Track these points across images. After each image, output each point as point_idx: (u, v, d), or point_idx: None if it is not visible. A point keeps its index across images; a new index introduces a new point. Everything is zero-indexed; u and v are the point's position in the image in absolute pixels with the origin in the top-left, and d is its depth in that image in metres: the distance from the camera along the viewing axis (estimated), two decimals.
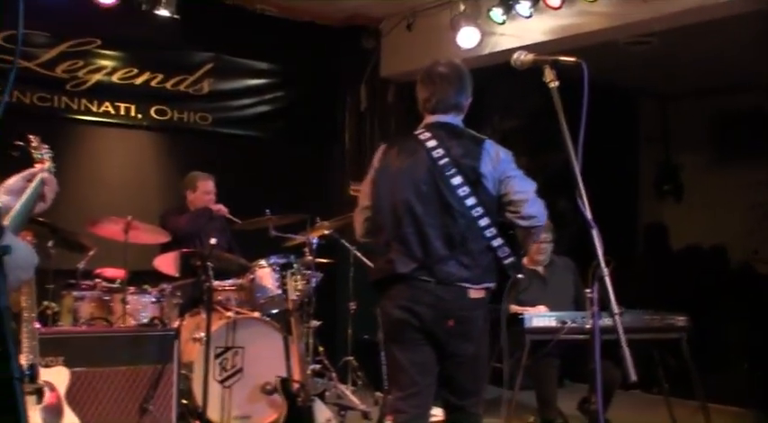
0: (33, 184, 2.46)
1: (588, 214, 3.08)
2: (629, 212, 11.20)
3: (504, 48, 7.70)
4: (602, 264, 3.01)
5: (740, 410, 8.02)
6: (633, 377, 2.84)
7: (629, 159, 11.38)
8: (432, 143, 3.84)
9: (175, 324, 5.59)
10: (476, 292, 3.79)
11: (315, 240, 6.22)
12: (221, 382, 5.57)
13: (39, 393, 4.33)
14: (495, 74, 9.57)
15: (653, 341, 6.55)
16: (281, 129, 8.51)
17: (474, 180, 3.77)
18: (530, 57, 3.47)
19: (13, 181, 2.45)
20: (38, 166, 2.80)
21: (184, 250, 5.89)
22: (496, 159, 3.82)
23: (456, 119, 3.99)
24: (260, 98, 8.41)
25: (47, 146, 2.98)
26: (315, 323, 6.32)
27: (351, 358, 6.76)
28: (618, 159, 10.97)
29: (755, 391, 8.18)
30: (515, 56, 3.49)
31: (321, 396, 5.26)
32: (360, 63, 8.83)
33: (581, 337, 6.05)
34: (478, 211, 3.75)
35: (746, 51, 8.42)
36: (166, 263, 5.87)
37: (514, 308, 6.28)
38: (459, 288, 3.77)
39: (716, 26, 7.40)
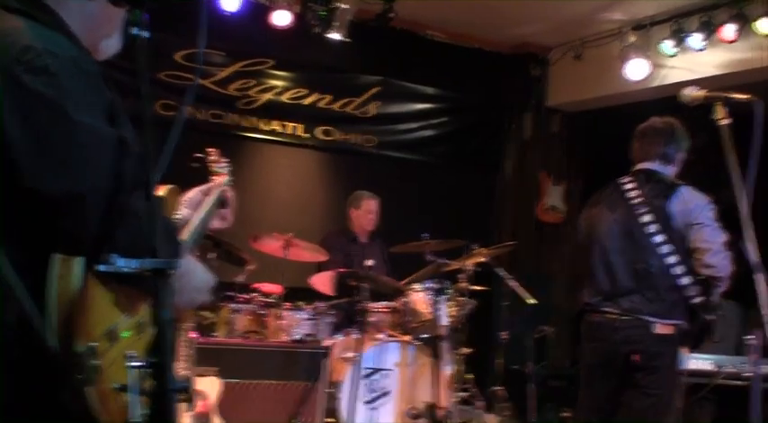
0: (212, 199, 2.43)
1: (754, 258, 2.87)
2: None
3: (673, 81, 7.42)
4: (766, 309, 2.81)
5: None
6: None
7: None
8: (627, 186, 4.12)
9: (327, 343, 5.57)
10: (662, 328, 3.89)
11: (471, 268, 6.11)
12: (368, 402, 5.51)
13: (189, 401, 4.38)
14: (663, 107, 9.30)
15: None
16: (444, 154, 8.44)
17: (663, 219, 3.92)
18: (701, 93, 3.32)
19: (193, 194, 2.44)
20: (216, 179, 2.78)
21: (341, 270, 5.88)
22: (688, 202, 3.94)
23: (660, 166, 4.15)
24: (425, 122, 8.37)
25: (226, 160, 2.97)
26: (465, 350, 6.19)
27: (499, 388, 6.58)
28: None
29: None
30: (685, 91, 3.36)
31: None
32: (526, 91, 8.69)
33: (738, 383, 5.75)
34: (667, 248, 3.90)
35: None
36: (322, 281, 5.88)
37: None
38: (643, 322, 3.90)
39: None
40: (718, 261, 3.80)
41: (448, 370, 5.35)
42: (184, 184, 2.41)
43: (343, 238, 6.61)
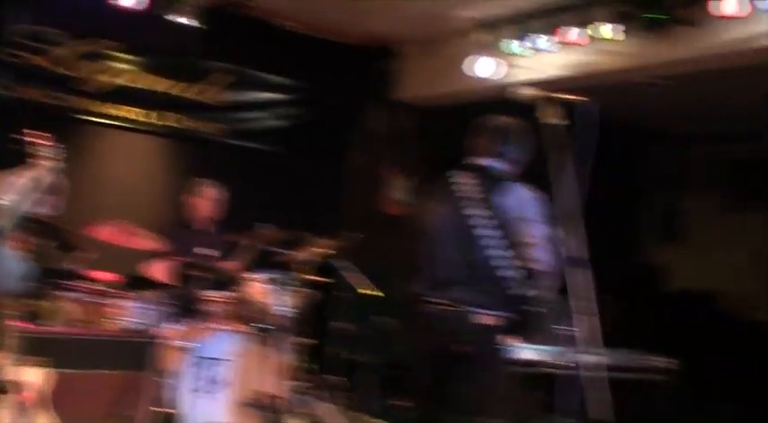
0: (30, 184, 2.36)
1: (575, 253, 3.02)
2: (631, 252, 11.09)
3: (519, 80, 7.62)
4: (594, 302, 2.95)
5: None
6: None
7: (637, 199, 11.31)
8: (461, 180, 4.15)
9: (162, 332, 5.51)
10: (487, 318, 3.96)
11: (312, 259, 6.16)
12: (202, 392, 5.47)
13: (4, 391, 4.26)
14: (511, 106, 9.55)
15: (639, 381, 6.46)
16: (293, 144, 8.45)
17: (492, 214, 3.97)
18: (533, 91, 3.48)
19: (14, 178, 2.37)
20: (40, 163, 2.70)
21: (177, 258, 5.82)
22: (517, 198, 4.01)
23: (495, 163, 4.20)
24: (275, 112, 8.36)
25: (55, 144, 2.89)
26: (305, 341, 6.22)
27: (338, 378, 6.65)
28: (625, 199, 10.89)
29: None
30: (518, 89, 3.51)
31: (299, 413, 5.16)
32: (377, 84, 8.79)
33: (563, 372, 5.98)
34: (494, 242, 3.95)
35: (762, 101, 8.35)
36: (160, 270, 5.81)
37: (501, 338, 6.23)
38: (469, 312, 3.98)
39: (732, 74, 7.33)
40: (542, 255, 3.91)
41: (285, 360, 5.36)
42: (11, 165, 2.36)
43: (182, 227, 6.53)
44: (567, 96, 3.35)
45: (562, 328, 3.03)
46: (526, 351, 5.85)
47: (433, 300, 4.06)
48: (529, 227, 3.95)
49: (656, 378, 6.31)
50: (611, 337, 6.88)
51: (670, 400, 6.33)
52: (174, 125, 7.69)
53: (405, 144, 8.79)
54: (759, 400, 8.33)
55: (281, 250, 6.27)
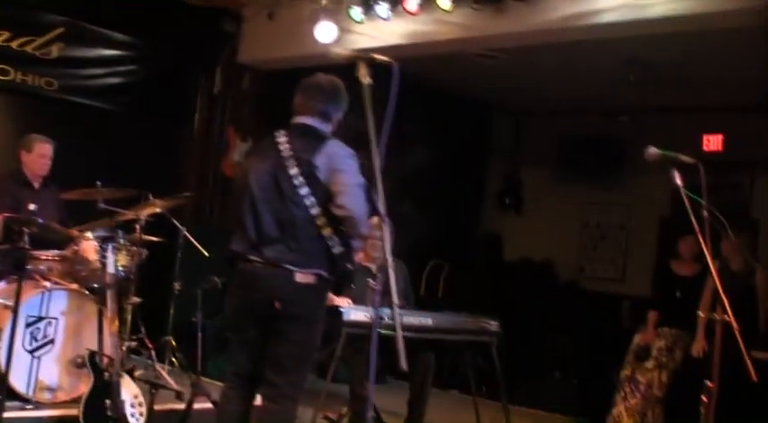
0: None
1: (382, 210, 3.09)
2: (471, 221, 11.37)
3: (360, 46, 7.68)
4: (389, 257, 3.02)
5: (544, 414, 8.36)
6: (403, 366, 2.87)
7: (478, 170, 11.58)
8: (281, 139, 4.15)
9: None
10: (303, 276, 3.97)
11: (145, 217, 6.08)
12: (31, 352, 5.35)
13: None
14: (350, 73, 9.62)
15: (466, 343, 6.68)
16: (129, 103, 8.25)
17: (308, 172, 3.99)
18: (347, 51, 3.60)
19: None
20: None
21: (6, 214, 5.64)
22: (332, 154, 4.04)
23: (318, 123, 4.22)
24: (111, 69, 8.13)
25: None
26: (136, 300, 6.16)
27: (170, 338, 6.61)
28: (467, 169, 11.15)
29: (563, 397, 8.46)
30: (334, 49, 3.58)
31: (131, 372, 5.11)
32: (218, 46, 8.69)
33: (395, 333, 6.12)
34: (311, 200, 3.98)
35: (601, 78, 8.70)
36: None
37: (330, 298, 6.31)
38: (285, 270, 3.96)
39: (567, 49, 7.61)
40: (348, 201, 3.93)
41: (115, 319, 5.28)
42: None
43: (12, 182, 6.31)
44: (378, 57, 3.45)
45: (374, 283, 3.09)
46: (357, 312, 6.03)
47: (251, 258, 4.05)
48: (339, 175, 3.97)
49: (483, 339, 6.60)
50: (451, 303, 7.13)
51: (492, 361, 6.62)
52: (6, 78, 7.37)
53: (246, 107, 8.75)
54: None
55: (115, 209, 6.16)
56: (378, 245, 6.51)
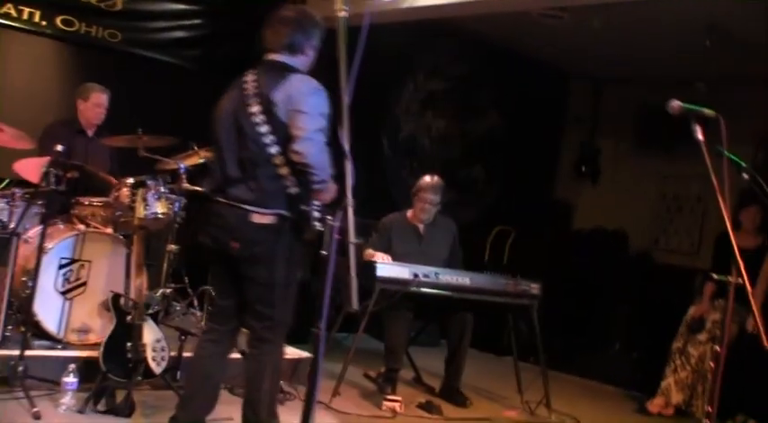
0: None
1: (346, 146, 2.98)
2: (544, 189, 11.15)
3: (422, 4, 7.54)
4: (350, 194, 2.91)
5: (596, 384, 8.18)
6: (354, 306, 2.76)
7: (553, 137, 11.34)
8: (248, 78, 4.05)
9: (26, 230, 5.45)
10: (260, 217, 3.87)
11: (184, 166, 6.11)
12: (63, 293, 5.44)
13: None
14: (424, 33, 9.52)
15: (506, 305, 6.55)
16: (195, 57, 8.26)
17: (267, 109, 3.86)
18: None
19: None
20: None
21: (47, 157, 5.72)
22: (293, 91, 3.87)
23: (287, 57, 4.05)
24: (177, 23, 8.16)
25: None
26: (172, 247, 6.21)
27: (209, 288, 6.63)
28: (542, 136, 10.93)
29: (620, 370, 8.24)
30: None
31: (155, 317, 5.13)
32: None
33: (433, 291, 6.05)
34: (270, 138, 3.87)
35: (680, 44, 8.39)
36: (29, 168, 5.68)
37: (368, 252, 6.26)
38: (242, 211, 3.88)
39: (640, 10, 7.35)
40: (305, 147, 3.78)
41: (141, 263, 5.30)
42: None
43: (67, 129, 6.42)
44: None
45: (331, 219, 2.97)
46: (392, 268, 5.96)
47: (217, 198, 3.99)
48: (298, 118, 3.82)
49: (523, 302, 6.45)
50: (515, 268, 7.00)
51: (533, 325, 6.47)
52: (70, 29, 7.46)
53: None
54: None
55: (159, 157, 6.21)
56: (427, 208, 6.52)
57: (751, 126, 8.30)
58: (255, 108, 3.90)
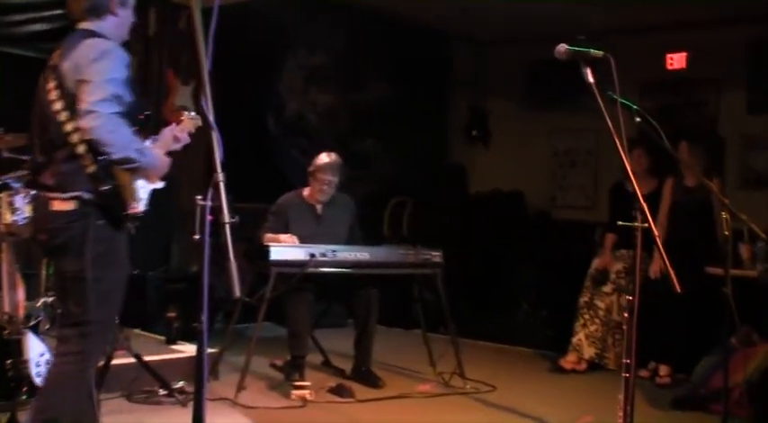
0: None
1: (211, 117, 2.67)
2: (437, 156, 10.96)
3: None
4: (220, 169, 2.60)
5: (509, 348, 8.09)
6: (236, 293, 2.46)
7: (441, 103, 11.15)
8: (54, 53, 3.61)
9: None
10: (60, 203, 3.45)
11: None
12: None
13: None
14: (302, 7, 9.21)
15: (410, 277, 6.37)
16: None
17: (59, 83, 3.47)
18: None
19: None
20: None
21: None
22: (79, 58, 3.43)
23: (94, 24, 3.60)
24: (35, 15, 7.65)
25: None
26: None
27: None
28: (430, 102, 10.74)
29: (531, 330, 8.15)
30: None
31: (36, 328, 4.74)
32: None
33: (332, 270, 5.82)
34: (65, 114, 3.45)
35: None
36: None
37: (268, 237, 6.01)
38: (44, 199, 3.51)
39: None
40: (88, 122, 3.34)
41: (14, 272, 4.90)
42: None
43: None
44: None
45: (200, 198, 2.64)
46: (286, 251, 5.68)
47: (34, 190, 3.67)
48: (82, 89, 3.38)
49: (426, 272, 6.27)
50: (416, 239, 6.81)
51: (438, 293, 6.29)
52: None
53: (184, 48, 8.29)
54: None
55: (25, 157, 5.77)
56: (324, 189, 6.25)
57: (633, 75, 8.24)
58: (51, 84, 3.51)
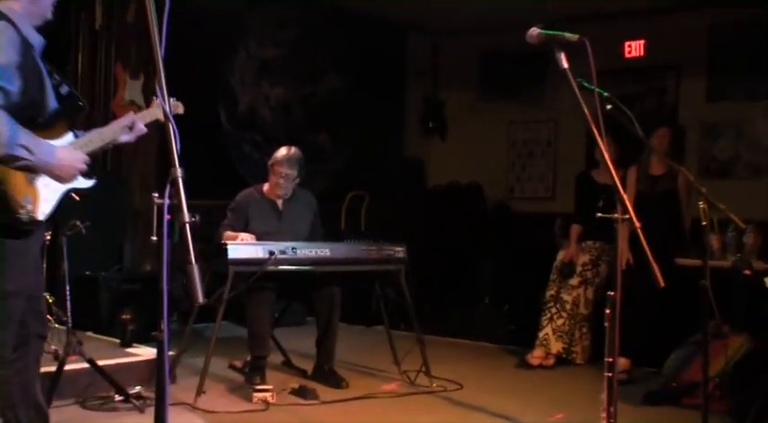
0: None
1: (168, 109, 2.44)
2: (392, 149, 10.78)
3: None
4: (178, 163, 2.36)
5: (471, 343, 7.95)
6: (200, 299, 2.23)
7: (398, 94, 10.96)
8: None
9: None
10: None
11: None
12: None
13: None
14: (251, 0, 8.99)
15: (372, 273, 6.19)
16: None
17: None
18: None
19: None
20: None
21: None
22: None
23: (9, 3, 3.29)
24: None
25: None
26: None
27: (45, 295, 5.96)
28: (387, 93, 10.58)
29: (493, 325, 8.04)
30: None
31: None
32: None
33: (293, 268, 5.62)
34: None
35: None
36: None
37: (228, 234, 5.81)
38: None
39: None
40: None
41: None
42: None
43: None
44: None
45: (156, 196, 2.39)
46: (245, 249, 5.46)
47: None
48: None
49: (389, 268, 6.08)
50: (374, 234, 6.63)
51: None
52: None
53: (134, 41, 8.00)
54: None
55: None
56: (281, 183, 6.03)
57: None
58: None
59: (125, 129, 3.57)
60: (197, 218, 2.31)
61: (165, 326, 2.29)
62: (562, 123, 9.64)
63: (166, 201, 2.32)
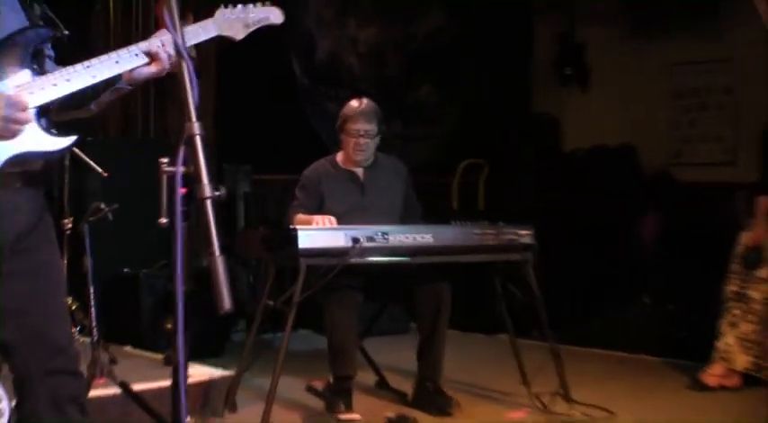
0: None
1: (181, 42, 2.20)
2: (520, 103, 10.73)
3: None
4: (195, 117, 2.13)
5: (625, 355, 7.83)
6: (226, 305, 2.07)
7: (524, 34, 10.88)
8: None
9: None
10: None
11: None
12: None
13: None
14: None
15: (491, 265, 6.04)
16: None
17: None
18: None
19: None
20: None
21: None
22: None
23: None
24: None
25: None
26: None
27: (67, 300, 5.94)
28: (509, 34, 10.51)
29: (654, 331, 7.92)
30: None
31: None
32: None
33: (384, 259, 5.46)
34: None
35: None
36: None
37: (300, 218, 5.69)
38: None
39: None
40: None
41: None
42: None
43: None
44: None
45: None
46: (321, 235, 5.32)
47: None
48: None
49: (512, 257, 5.86)
50: (497, 214, 6.45)
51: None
52: None
53: None
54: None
55: None
56: (362, 143, 5.89)
57: None
58: None
59: (141, 57, 3.10)
60: (222, 191, 2.07)
61: (179, 342, 2.05)
62: (744, 64, 9.37)
63: (179, 168, 2.07)
